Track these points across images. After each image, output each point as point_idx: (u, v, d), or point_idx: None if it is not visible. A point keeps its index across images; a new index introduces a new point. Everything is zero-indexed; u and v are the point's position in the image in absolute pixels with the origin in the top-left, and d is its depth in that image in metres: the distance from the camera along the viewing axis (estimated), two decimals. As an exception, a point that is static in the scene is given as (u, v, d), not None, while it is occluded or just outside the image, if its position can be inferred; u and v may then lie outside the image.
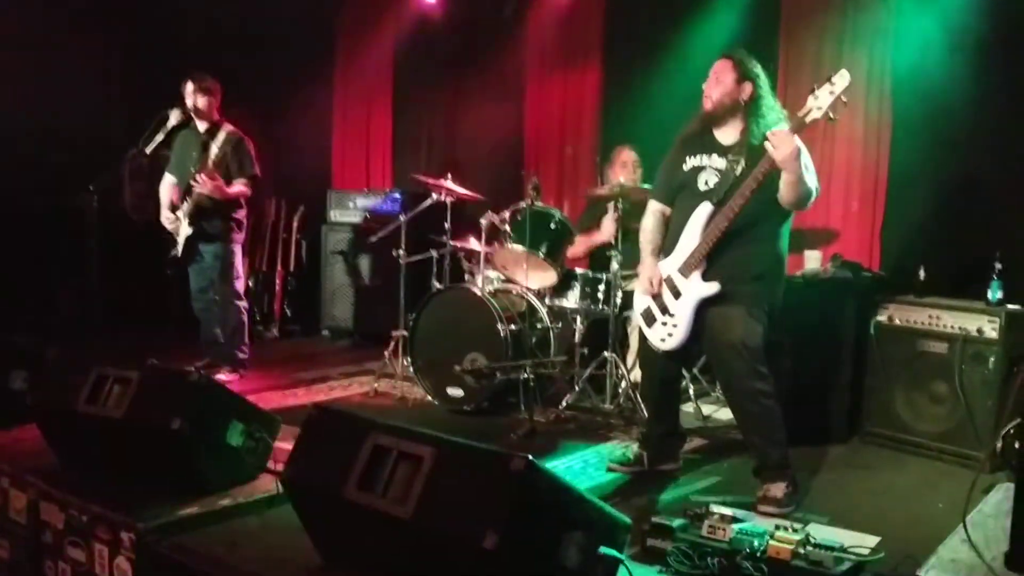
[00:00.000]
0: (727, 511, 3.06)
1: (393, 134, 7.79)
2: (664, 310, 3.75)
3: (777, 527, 2.97)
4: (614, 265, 4.84)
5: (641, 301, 3.86)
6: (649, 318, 3.81)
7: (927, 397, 4.34)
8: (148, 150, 5.35)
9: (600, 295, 4.94)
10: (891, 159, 5.29)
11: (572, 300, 5.02)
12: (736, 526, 2.96)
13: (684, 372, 4.62)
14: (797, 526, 3.02)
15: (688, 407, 4.91)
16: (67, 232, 6.42)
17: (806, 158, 3.53)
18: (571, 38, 6.68)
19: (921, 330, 4.35)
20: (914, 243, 5.08)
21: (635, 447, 4.06)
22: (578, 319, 5.08)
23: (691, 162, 3.78)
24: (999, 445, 3.78)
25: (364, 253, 7.07)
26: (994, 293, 4.21)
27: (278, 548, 2.87)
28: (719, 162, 3.70)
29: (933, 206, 4.98)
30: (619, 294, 4.87)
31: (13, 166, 6.35)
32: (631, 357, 5.00)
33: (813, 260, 4.91)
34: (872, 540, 3.08)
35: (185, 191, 5.44)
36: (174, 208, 5.50)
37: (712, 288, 3.60)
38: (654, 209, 3.96)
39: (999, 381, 4.07)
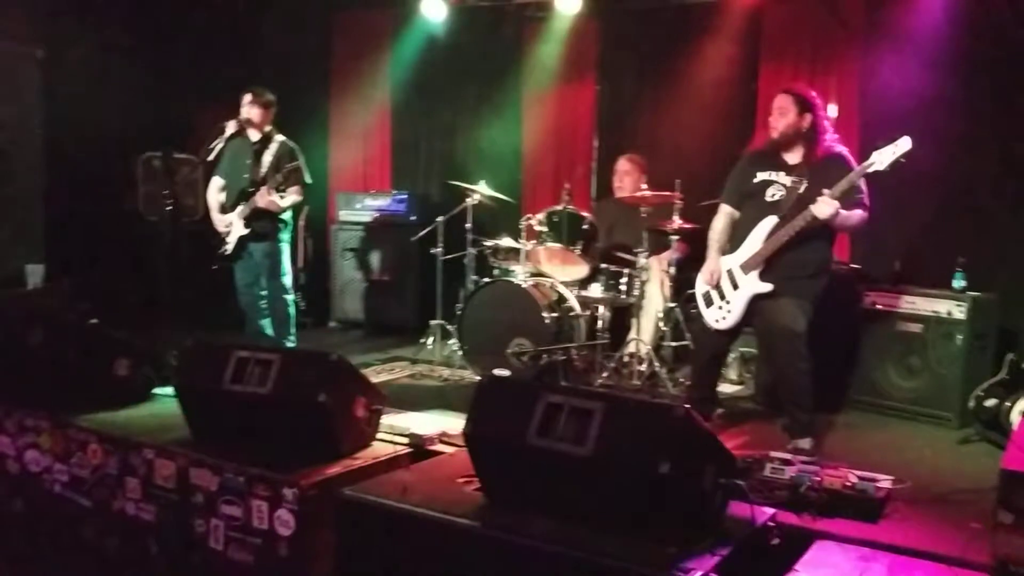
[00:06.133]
0: (784, 455, 3.85)
1: (391, 142, 8.30)
2: (722, 296, 4.52)
3: (823, 468, 3.78)
4: (641, 260, 5.58)
5: (702, 286, 4.63)
6: (708, 300, 4.59)
7: (905, 369, 5.23)
8: (210, 158, 5.83)
9: (623, 286, 5.67)
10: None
11: (597, 291, 5.74)
12: (791, 467, 3.75)
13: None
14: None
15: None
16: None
17: (863, 193, 4.33)
18: (567, 57, 7.33)
19: (900, 313, 5.24)
20: (880, 240, 5.95)
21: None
22: (601, 308, 5.80)
23: (761, 176, 4.50)
24: (972, 405, 4.69)
25: (374, 250, 7.60)
26: (958, 282, 5.13)
27: (440, 493, 3.36)
28: (785, 179, 4.43)
29: (896, 208, 5.77)
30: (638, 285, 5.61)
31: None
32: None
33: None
34: (887, 478, 3.88)
35: (239, 195, 5.91)
36: (223, 210, 6.00)
37: (766, 287, 4.37)
38: (724, 212, 4.69)
39: (965, 354, 5.00)
